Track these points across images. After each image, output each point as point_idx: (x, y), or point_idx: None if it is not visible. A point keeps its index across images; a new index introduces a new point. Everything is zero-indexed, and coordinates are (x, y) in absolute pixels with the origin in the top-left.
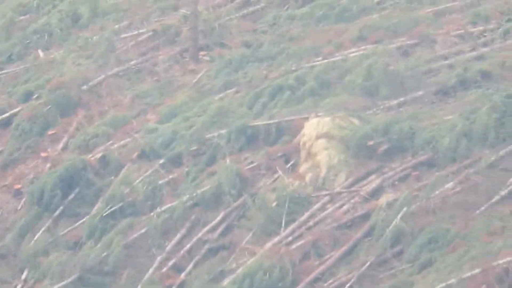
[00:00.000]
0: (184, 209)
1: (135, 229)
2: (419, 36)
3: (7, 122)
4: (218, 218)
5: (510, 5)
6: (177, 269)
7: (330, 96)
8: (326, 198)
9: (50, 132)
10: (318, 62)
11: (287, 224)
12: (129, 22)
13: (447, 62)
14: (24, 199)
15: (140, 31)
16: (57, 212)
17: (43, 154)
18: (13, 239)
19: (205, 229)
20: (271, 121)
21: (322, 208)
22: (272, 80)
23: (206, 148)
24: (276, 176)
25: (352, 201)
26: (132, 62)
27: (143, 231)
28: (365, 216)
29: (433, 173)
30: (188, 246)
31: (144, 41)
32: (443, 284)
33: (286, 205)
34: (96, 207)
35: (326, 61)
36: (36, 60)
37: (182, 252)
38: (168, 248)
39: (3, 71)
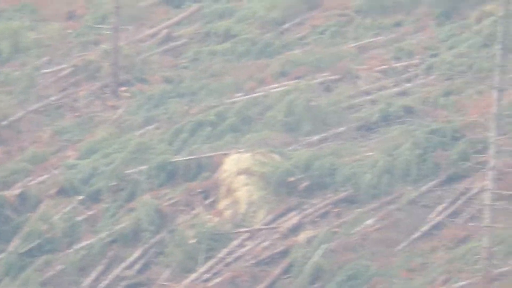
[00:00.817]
0: (102, 246)
1: (52, 266)
2: (342, 71)
3: None
4: (136, 255)
5: (434, 41)
6: None
7: (251, 132)
8: (246, 235)
9: None
10: (239, 98)
11: (206, 260)
12: (50, 58)
13: (370, 97)
14: None
15: (61, 66)
16: None
17: None
18: None
19: (123, 265)
20: (191, 157)
21: (241, 244)
22: (193, 116)
23: (126, 184)
24: (195, 212)
25: (272, 237)
26: (53, 98)
27: (60, 268)
28: (285, 253)
29: (354, 210)
30: (106, 282)
31: (64, 76)
32: None
33: (205, 242)
34: (13, 244)
35: (247, 96)
36: None
37: None
38: (85, 285)
39: None
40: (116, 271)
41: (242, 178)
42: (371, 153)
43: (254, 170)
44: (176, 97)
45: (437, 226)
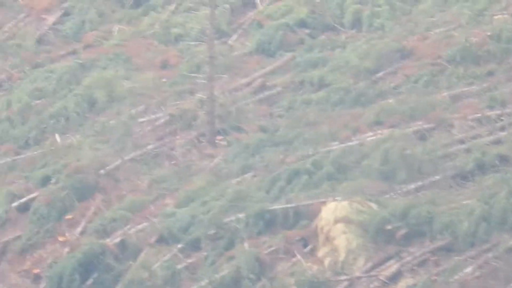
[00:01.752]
0: None
1: None
2: (436, 120)
3: (25, 207)
4: None
5: None
6: None
7: (347, 180)
8: (346, 283)
9: (67, 217)
10: (334, 147)
11: None
12: (146, 107)
13: (464, 146)
14: (43, 284)
15: (157, 115)
16: None
17: (61, 239)
18: None
19: None
20: (289, 205)
21: None
22: (289, 164)
23: (224, 232)
24: (294, 260)
25: (371, 285)
26: (149, 147)
27: None
28: None
29: (451, 258)
30: None
31: (161, 125)
32: None
33: None
34: None
35: (342, 145)
36: (53, 145)
37: None
38: None
39: (20, 156)
40: None
41: (340, 226)
42: (467, 202)
43: (351, 218)
44: (272, 145)
45: None
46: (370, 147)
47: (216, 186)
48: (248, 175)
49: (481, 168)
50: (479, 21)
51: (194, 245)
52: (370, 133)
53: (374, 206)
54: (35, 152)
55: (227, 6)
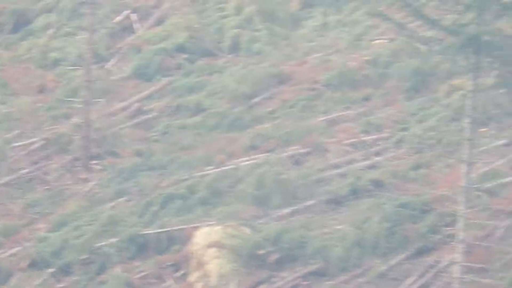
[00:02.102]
0: None
1: None
2: (311, 144)
3: None
4: None
5: (403, 114)
6: None
7: (222, 205)
8: None
9: None
10: (209, 171)
11: None
12: (21, 131)
13: (339, 171)
14: None
15: (32, 140)
16: None
17: None
18: None
19: None
20: (162, 230)
21: None
22: (164, 189)
23: (96, 257)
24: (165, 285)
25: None
26: (24, 171)
27: None
28: None
29: (323, 283)
30: None
31: (35, 150)
32: None
33: None
34: None
35: (217, 170)
36: None
37: None
38: None
39: None
40: None
41: (212, 251)
42: (340, 226)
43: (224, 243)
44: (147, 170)
45: None
46: (245, 172)
47: (89, 210)
48: (122, 200)
49: (356, 193)
50: (357, 46)
51: (66, 270)
52: (246, 158)
53: (247, 230)
54: None
55: (105, 31)
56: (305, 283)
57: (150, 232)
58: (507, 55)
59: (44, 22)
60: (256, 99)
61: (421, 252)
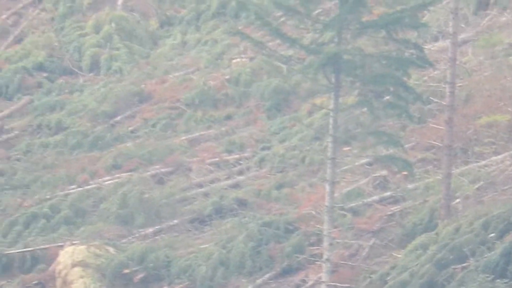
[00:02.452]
0: None
1: None
2: (174, 164)
3: None
4: None
5: (265, 134)
6: None
7: (86, 224)
8: None
9: None
10: (72, 190)
11: None
12: None
13: (202, 190)
14: None
15: None
16: None
17: None
18: None
19: None
20: (26, 249)
21: None
22: (27, 208)
23: None
24: None
25: None
26: None
27: None
28: None
29: None
30: None
31: None
32: None
33: None
34: None
35: (80, 189)
36: None
37: None
38: None
39: None
40: None
41: (77, 270)
42: (205, 246)
43: (89, 262)
44: (9, 189)
45: None
46: (108, 191)
47: None
48: None
49: (220, 212)
50: (217, 64)
51: None
52: (108, 177)
53: (111, 250)
54: None
55: None
56: None
57: (14, 251)
58: (367, 74)
59: None
60: (117, 118)
61: (287, 272)
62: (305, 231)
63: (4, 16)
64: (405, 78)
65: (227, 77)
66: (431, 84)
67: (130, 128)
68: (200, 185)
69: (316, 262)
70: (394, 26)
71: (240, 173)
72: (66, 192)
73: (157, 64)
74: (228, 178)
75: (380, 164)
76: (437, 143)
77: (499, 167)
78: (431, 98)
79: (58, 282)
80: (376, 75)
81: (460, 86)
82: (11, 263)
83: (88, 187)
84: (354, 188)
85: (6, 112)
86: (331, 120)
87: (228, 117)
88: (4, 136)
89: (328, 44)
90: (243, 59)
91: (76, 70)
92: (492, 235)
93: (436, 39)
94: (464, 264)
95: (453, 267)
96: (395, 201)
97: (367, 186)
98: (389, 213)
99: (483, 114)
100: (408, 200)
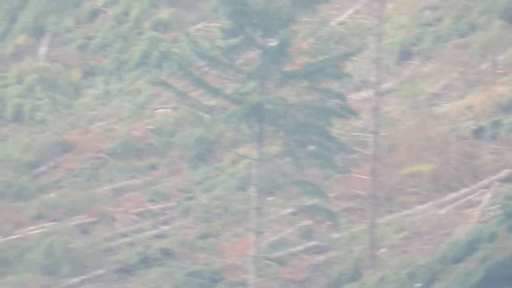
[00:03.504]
0: None
1: None
2: (98, 214)
3: None
4: None
5: (189, 183)
6: None
7: (10, 275)
8: None
9: None
10: None
11: None
12: None
13: (127, 240)
14: None
15: None
16: None
17: None
18: None
19: None
20: None
21: None
22: None
23: None
24: None
25: None
26: None
27: None
28: None
29: None
30: None
31: None
32: None
33: None
34: None
35: (4, 239)
36: None
37: None
38: None
39: None
40: None
41: None
42: None
43: None
44: None
45: None
46: (33, 241)
47: None
48: None
49: (145, 262)
50: (140, 114)
51: None
52: (33, 227)
53: None
54: None
55: None
56: None
57: None
58: (290, 124)
59: None
60: (41, 168)
61: None
62: (231, 281)
63: None
64: (328, 128)
65: (150, 127)
66: (355, 133)
67: (54, 178)
68: (124, 235)
69: None
70: (316, 76)
71: (165, 222)
72: None
73: (80, 114)
74: (153, 227)
75: (305, 214)
76: (361, 193)
77: (423, 217)
78: (355, 148)
79: None
80: (299, 124)
81: (383, 135)
82: None
83: (13, 237)
84: (279, 238)
85: None
86: (254, 170)
87: (152, 167)
88: None
89: (251, 94)
90: (166, 109)
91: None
92: (418, 285)
93: (359, 89)
94: None
95: None
96: (320, 250)
97: (292, 235)
98: (315, 263)
99: (407, 163)
100: (333, 250)
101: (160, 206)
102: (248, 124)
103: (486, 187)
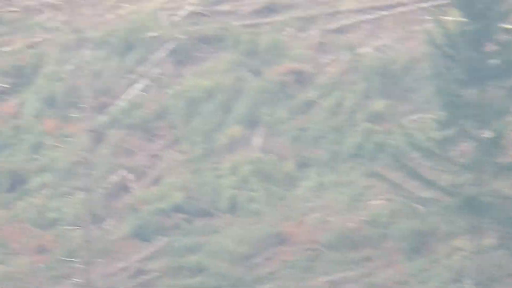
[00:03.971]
0: None
1: None
2: None
3: None
4: None
5: (404, 276)
6: None
7: None
8: None
9: None
10: None
11: None
12: None
13: None
14: None
15: None
16: None
17: None
18: None
19: None
20: None
21: None
22: None
23: None
24: None
25: None
26: None
27: None
28: None
29: None
30: None
31: None
32: None
33: None
34: None
35: None
36: None
37: None
38: None
39: None
40: None
41: None
42: None
43: None
44: None
45: None
46: None
47: None
48: None
49: None
50: (355, 206)
51: None
52: None
53: None
54: None
55: (101, 190)
56: None
57: None
58: (506, 216)
59: (40, 181)
60: (255, 260)
61: None
62: None
63: (140, 157)
64: None
65: (364, 218)
66: None
67: (268, 270)
68: None
69: None
70: None
71: None
72: None
73: (294, 205)
74: None
75: None
76: None
77: None
78: None
79: None
80: None
81: None
82: None
83: None
84: None
85: (144, 253)
86: (470, 263)
87: (367, 259)
88: (144, 278)
89: (465, 186)
90: (381, 201)
91: (213, 211)
92: None
93: None
94: None
95: None
96: None
97: None
98: None
99: None
100: None
101: None
102: (463, 217)
103: None
